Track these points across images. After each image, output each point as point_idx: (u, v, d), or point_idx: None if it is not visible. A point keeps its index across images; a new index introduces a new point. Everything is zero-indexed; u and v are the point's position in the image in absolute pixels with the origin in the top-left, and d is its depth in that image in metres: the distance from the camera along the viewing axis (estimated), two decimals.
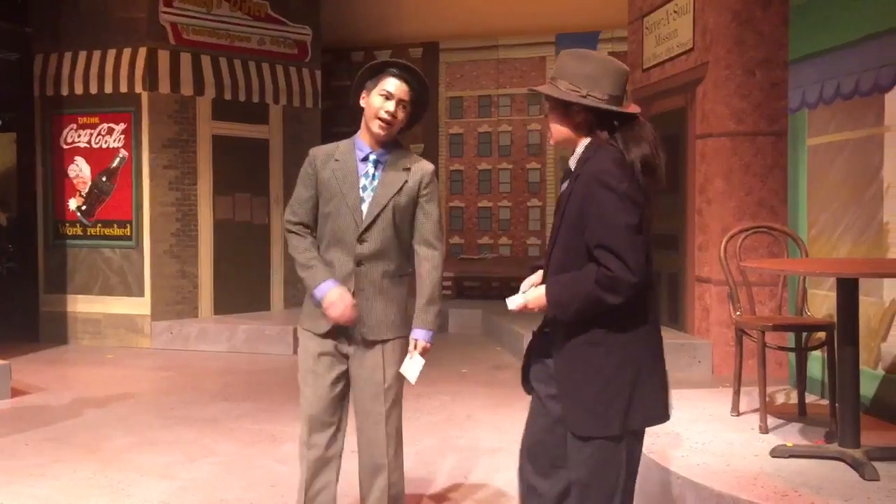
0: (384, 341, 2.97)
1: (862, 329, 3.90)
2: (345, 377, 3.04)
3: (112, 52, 8.50)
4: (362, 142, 2.98)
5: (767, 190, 6.60)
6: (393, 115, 2.90)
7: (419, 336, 2.96)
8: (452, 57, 10.97)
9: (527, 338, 7.64)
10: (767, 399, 4.26)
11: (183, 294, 8.66)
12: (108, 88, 8.53)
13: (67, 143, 8.68)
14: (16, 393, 6.12)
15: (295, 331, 8.06)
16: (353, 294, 2.93)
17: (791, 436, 4.02)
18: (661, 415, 2.46)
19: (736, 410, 4.39)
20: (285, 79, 9.47)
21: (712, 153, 6.73)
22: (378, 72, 2.94)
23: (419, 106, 2.99)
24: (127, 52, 8.45)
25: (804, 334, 4.41)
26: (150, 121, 8.43)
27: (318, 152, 3.03)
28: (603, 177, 2.33)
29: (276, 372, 7.28)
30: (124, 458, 4.62)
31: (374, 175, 2.96)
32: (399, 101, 2.91)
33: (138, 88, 8.43)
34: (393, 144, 2.99)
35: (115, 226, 8.53)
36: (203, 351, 8.17)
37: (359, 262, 2.94)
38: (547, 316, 2.52)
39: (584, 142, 2.44)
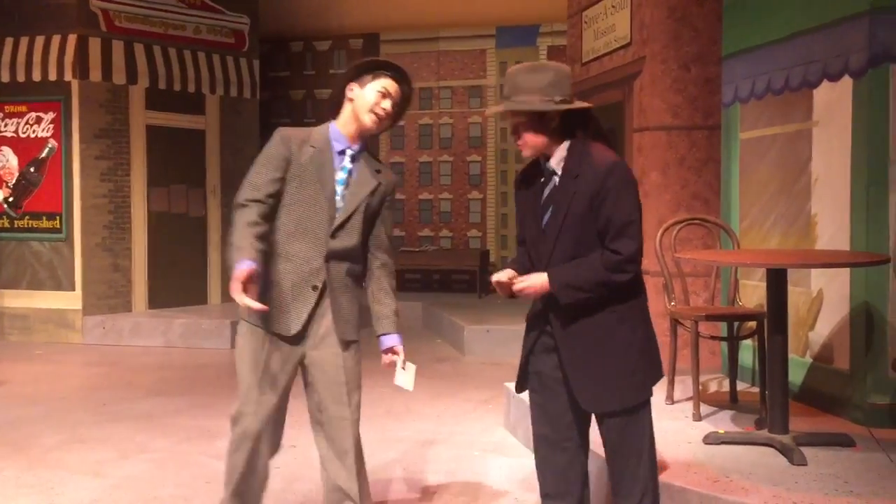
0: (349, 343, 2.92)
1: (791, 318, 4.01)
2: (293, 378, 3.02)
3: (41, 39, 8.23)
4: (340, 133, 2.88)
5: (702, 183, 6.73)
6: (388, 113, 2.88)
7: (392, 342, 2.96)
8: (393, 49, 10.91)
9: (469, 330, 7.72)
10: (700, 387, 4.34)
11: (116, 288, 8.45)
12: (37, 76, 8.26)
13: None
14: None
15: (233, 324, 7.96)
16: (323, 291, 2.85)
17: (723, 423, 4.11)
18: (660, 372, 2.79)
19: (670, 399, 4.47)
20: (222, 68, 9.30)
21: (649, 146, 6.83)
22: (377, 69, 2.90)
23: (398, 110, 2.97)
24: (56, 38, 8.19)
25: (736, 324, 4.52)
26: (81, 110, 8.19)
27: (291, 134, 2.86)
28: (620, 171, 2.60)
29: (213, 366, 7.15)
30: (53, 457, 4.48)
31: (349, 170, 2.88)
32: (394, 104, 2.90)
33: (68, 76, 8.18)
34: (365, 144, 2.95)
35: (45, 218, 8.27)
36: (137, 346, 7.99)
37: (328, 259, 2.85)
38: (545, 307, 2.69)
39: (565, 144, 2.65)
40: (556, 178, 2.66)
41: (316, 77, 11.24)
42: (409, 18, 10.62)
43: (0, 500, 3.83)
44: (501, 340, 7.35)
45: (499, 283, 2.69)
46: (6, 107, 8.35)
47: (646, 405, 2.72)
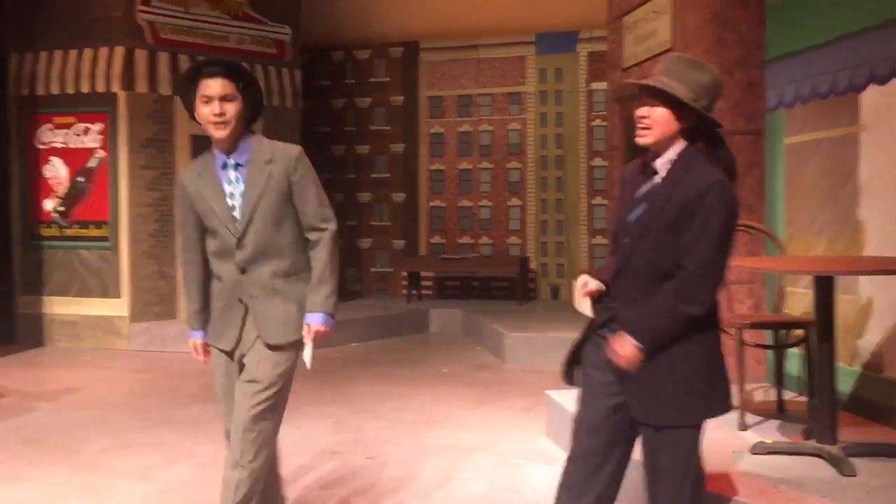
0: (275, 346, 2.88)
1: (839, 326, 3.93)
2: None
3: (88, 52, 8.42)
4: (217, 150, 2.93)
5: (745, 188, 6.64)
6: (221, 114, 2.83)
7: (309, 321, 2.87)
8: (432, 56, 10.95)
9: (509, 338, 7.70)
10: (746, 396, 4.28)
11: (161, 295, 8.59)
12: (85, 88, 8.45)
13: (43, 144, 8.59)
14: None
15: None
16: (244, 301, 2.90)
17: (770, 433, 4.05)
18: (729, 404, 2.58)
19: None
20: (264, 78, 9.42)
21: None
22: (193, 79, 2.88)
23: (252, 92, 2.92)
24: (104, 51, 8.37)
25: (782, 332, 4.45)
26: (128, 120, 8.35)
27: (185, 173, 3.02)
28: (725, 194, 2.47)
29: None
30: (102, 461, 4.57)
31: (237, 179, 2.90)
32: (221, 98, 2.84)
33: (115, 88, 8.35)
34: (250, 141, 2.92)
35: (92, 227, 8.45)
36: (182, 352, 8.03)
37: (243, 270, 2.89)
38: (612, 312, 2.55)
39: (679, 146, 2.54)
40: (658, 178, 2.55)
41: (356, 86, 11.33)
42: (449, 26, 10.65)
43: (50, 503, 3.91)
44: (542, 348, 7.32)
45: (587, 291, 2.54)
46: (55, 118, 8.56)
47: (697, 429, 2.54)
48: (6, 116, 8.79)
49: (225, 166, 2.91)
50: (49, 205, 8.58)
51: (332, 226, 2.94)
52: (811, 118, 4.85)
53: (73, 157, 8.49)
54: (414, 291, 10.35)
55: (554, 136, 10.59)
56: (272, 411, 2.90)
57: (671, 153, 2.54)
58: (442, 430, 5.22)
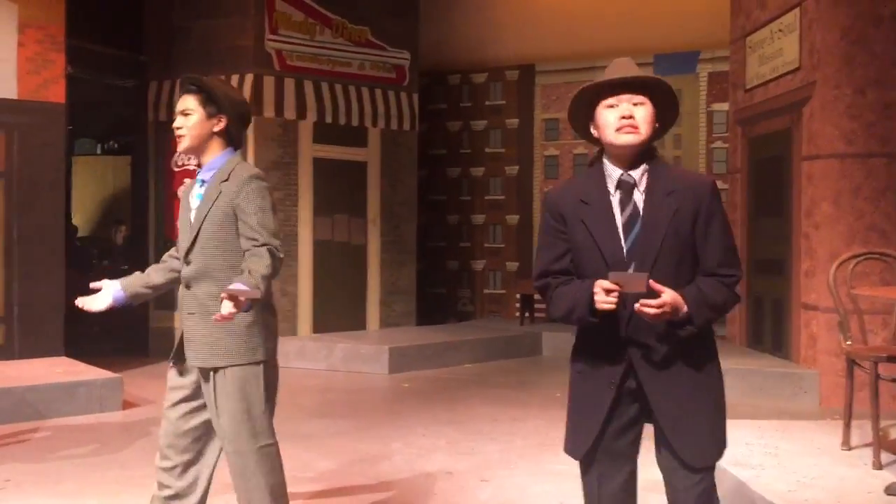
0: (215, 370, 2.86)
1: None
2: (196, 411, 3.00)
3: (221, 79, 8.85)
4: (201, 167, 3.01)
5: (879, 214, 6.32)
6: (177, 127, 2.91)
7: (230, 285, 2.68)
8: (548, 79, 10.97)
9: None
10: (881, 433, 4.06)
11: (283, 313, 8.88)
12: None
13: (178, 166, 9.08)
14: (127, 405, 6.40)
15: (391, 350, 8.19)
16: (184, 317, 2.93)
17: None
18: None
19: (847, 444, 4.20)
20: (384, 102, 9.66)
21: (820, 176, 6.50)
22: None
23: (229, 110, 2.91)
24: (234, 78, 8.79)
25: None
26: (255, 144, 8.73)
27: (185, 184, 3.11)
28: (716, 188, 2.36)
29: (373, 391, 7.39)
30: (224, 473, 4.75)
31: (199, 195, 2.94)
32: (181, 113, 2.91)
33: None
34: (224, 159, 2.93)
35: None
36: (302, 368, 8.35)
37: (187, 285, 2.92)
38: (623, 341, 2.30)
39: (646, 151, 2.34)
40: (640, 193, 2.31)
41: (472, 109, 11.46)
42: (566, 49, 10.65)
43: None
44: None
45: (612, 291, 2.20)
46: None
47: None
48: (146, 141, 9.35)
49: (202, 182, 2.96)
50: None
51: (267, 236, 2.81)
52: None
53: None
54: (527, 314, 10.32)
55: (672, 159, 10.39)
56: (249, 443, 2.92)
57: (644, 161, 2.33)
58: (556, 455, 5.15)
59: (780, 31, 7.10)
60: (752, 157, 7.74)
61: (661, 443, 2.36)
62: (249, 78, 8.72)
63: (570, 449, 2.48)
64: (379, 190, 9.61)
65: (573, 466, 4.93)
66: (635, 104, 2.30)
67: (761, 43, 7.45)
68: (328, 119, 9.20)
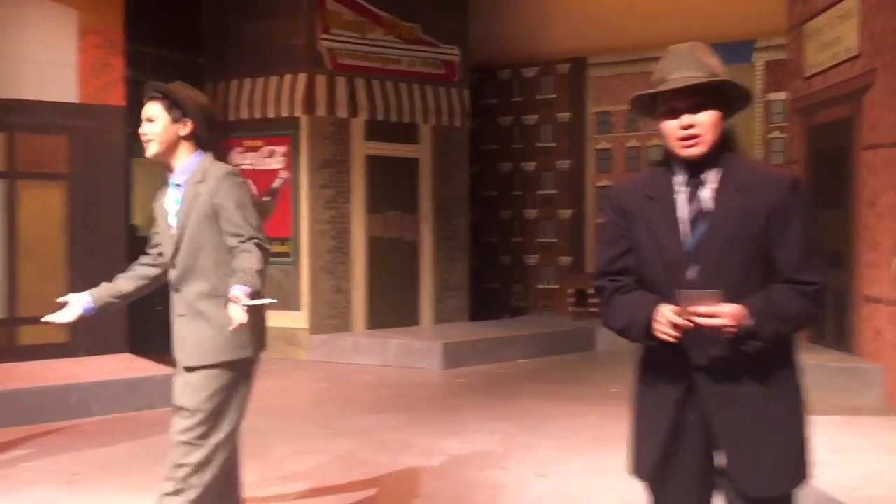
0: (197, 368, 2.87)
1: None
2: None
3: (274, 79, 8.99)
4: (170, 172, 3.03)
5: None
6: (143, 133, 2.95)
7: (235, 290, 2.68)
8: (600, 72, 10.87)
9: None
10: None
11: (338, 309, 8.99)
12: (271, 113, 9.02)
13: (234, 166, 9.22)
14: None
15: (444, 346, 8.23)
16: (175, 319, 2.95)
17: None
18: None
19: None
20: (434, 99, 9.69)
21: (882, 165, 6.33)
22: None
23: (195, 114, 2.93)
24: (288, 78, 8.91)
25: None
26: (309, 143, 8.83)
27: (159, 195, 3.09)
28: (797, 184, 2.14)
29: (426, 386, 7.43)
30: (285, 466, 4.84)
31: (177, 199, 2.97)
32: (147, 120, 2.94)
33: (298, 112, 8.86)
34: (195, 161, 2.96)
35: (276, 243, 8.96)
36: (357, 364, 8.44)
37: (176, 288, 2.95)
38: (685, 356, 2.11)
39: (715, 149, 2.16)
40: (708, 190, 2.13)
41: (523, 103, 11.42)
42: (618, 41, 10.54)
43: None
44: None
45: (672, 322, 2.03)
46: (245, 142, 9.19)
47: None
48: (212, 128, 9.51)
49: (177, 186, 2.99)
50: None
51: (254, 240, 2.83)
52: None
53: (261, 178, 9.07)
54: (580, 309, 10.25)
55: None
56: (203, 438, 2.85)
57: (714, 159, 2.14)
58: (613, 450, 5.13)
59: (839, 17, 6.93)
60: (812, 146, 7.57)
61: (727, 468, 2.14)
62: (302, 77, 8.82)
63: (635, 467, 2.27)
64: (431, 186, 9.65)
65: None
66: (697, 110, 2.11)
67: (820, 30, 7.28)
68: (380, 116, 9.26)
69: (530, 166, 11.37)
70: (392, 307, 9.31)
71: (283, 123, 8.94)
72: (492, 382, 7.54)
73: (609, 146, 10.91)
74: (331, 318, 8.92)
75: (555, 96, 11.20)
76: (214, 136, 3.08)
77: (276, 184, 9.00)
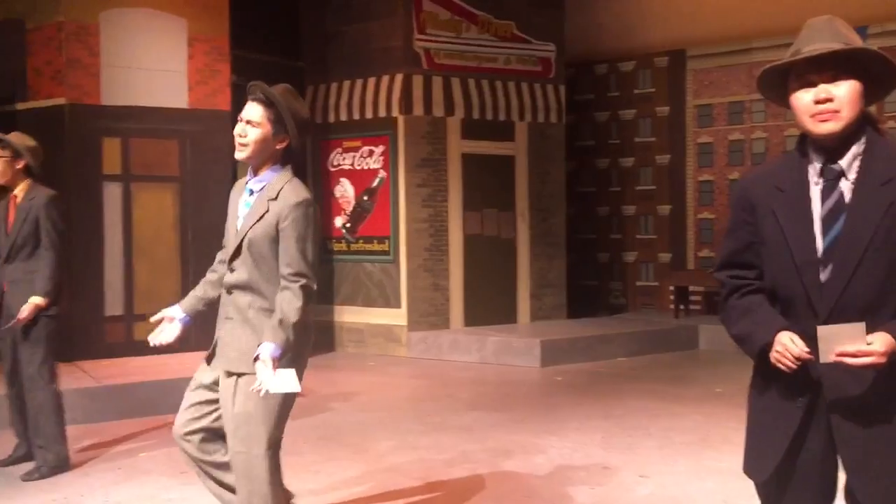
0: (241, 375, 2.87)
1: None
2: (213, 409, 3.06)
3: (371, 80, 9.14)
4: (250, 172, 3.00)
5: None
6: (240, 135, 2.89)
7: (263, 350, 2.75)
8: (700, 64, 10.60)
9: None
10: None
11: (436, 306, 9.08)
12: (369, 114, 9.18)
13: (334, 166, 9.45)
14: None
15: (542, 343, 8.20)
16: (222, 321, 2.96)
17: None
18: None
19: None
20: (530, 96, 9.66)
21: None
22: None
23: (291, 130, 2.91)
24: (385, 79, 9.04)
25: None
26: (406, 142, 8.95)
27: (235, 186, 3.11)
28: None
29: (525, 384, 7.42)
30: (389, 460, 4.93)
31: (247, 204, 2.94)
32: (247, 122, 2.88)
33: (395, 112, 8.99)
34: (276, 173, 2.92)
35: (375, 242, 9.14)
36: (455, 361, 8.51)
37: (229, 290, 2.94)
38: (811, 368, 1.97)
39: (855, 128, 1.95)
40: (848, 182, 1.93)
41: (620, 98, 11.26)
42: (718, 31, 10.25)
43: (347, 496, 4.28)
44: None
45: (795, 356, 1.91)
46: (344, 142, 9.38)
47: None
48: (304, 142, 9.77)
49: (251, 190, 2.97)
50: (338, 222, 9.41)
51: (302, 280, 2.83)
52: None
53: (359, 178, 9.25)
54: (682, 306, 10.04)
55: None
56: (250, 445, 2.89)
57: (855, 147, 1.93)
58: (718, 452, 5.02)
59: None
60: None
61: (853, 490, 2.01)
62: (399, 78, 8.94)
63: (750, 468, 2.15)
64: (527, 183, 9.63)
65: (735, 465, 4.79)
66: (835, 81, 1.92)
67: None
68: (475, 115, 9.30)
69: (628, 162, 11.20)
70: (489, 304, 9.34)
71: (380, 124, 9.08)
72: (591, 381, 7.47)
73: (711, 140, 10.64)
74: (429, 315, 9.02)
75: (653, 90, 11.00)
76: (303, 149, 3.14)
77: (375, 183, 9.16)
